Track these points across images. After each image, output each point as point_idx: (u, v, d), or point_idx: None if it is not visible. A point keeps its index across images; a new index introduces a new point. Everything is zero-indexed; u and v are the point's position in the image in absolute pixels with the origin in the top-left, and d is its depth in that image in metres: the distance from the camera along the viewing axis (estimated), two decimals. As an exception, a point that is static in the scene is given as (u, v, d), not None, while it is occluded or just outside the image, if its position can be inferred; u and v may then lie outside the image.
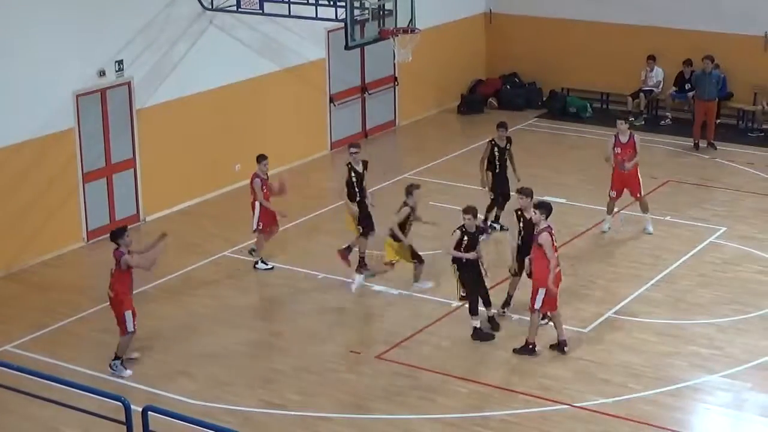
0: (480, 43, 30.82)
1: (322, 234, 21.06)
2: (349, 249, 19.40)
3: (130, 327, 16.20)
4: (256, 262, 19.97)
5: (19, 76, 19.66)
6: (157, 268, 17.17)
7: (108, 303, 16.51)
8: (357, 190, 19.25)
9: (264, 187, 19.58)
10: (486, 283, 17.32)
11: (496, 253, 20.00)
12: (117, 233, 16.19)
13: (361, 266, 19.31)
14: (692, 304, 18.31)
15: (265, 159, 19.63)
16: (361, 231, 19.26)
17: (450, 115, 29.23)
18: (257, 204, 19.60)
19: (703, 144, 26.22)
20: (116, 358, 16.36)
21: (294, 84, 25.04)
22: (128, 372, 16.28)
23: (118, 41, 21.22)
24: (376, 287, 19.08)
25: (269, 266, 19.94)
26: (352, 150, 19.49)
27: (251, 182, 19.73)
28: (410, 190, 18.58)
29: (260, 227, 19.73)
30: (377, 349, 16.97)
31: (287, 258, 20.18)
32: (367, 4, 21.50)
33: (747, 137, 27.14)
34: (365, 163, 19.44)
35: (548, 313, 16.81)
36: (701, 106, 26.41)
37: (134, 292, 16.74)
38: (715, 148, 26.11)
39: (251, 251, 20.08)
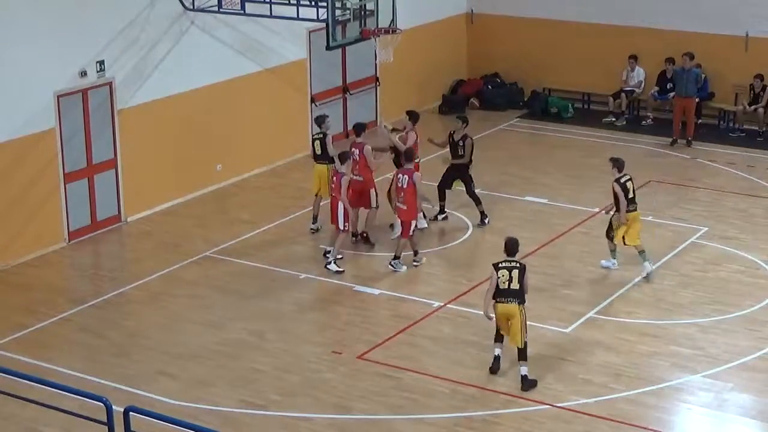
0: (461, 43, 30.84)
1: (303, 234, 21.04)
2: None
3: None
4: (329, 262, 19.61)
5: (0, 77, 19.58)
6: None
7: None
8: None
9: (349, 186, 19.68)
10: None
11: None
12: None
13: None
14: (674, 304, 18.35)
15: (349, 158, 19.76)
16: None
17: (431, 115, 29.19)
18: (340, 203, 19.42)
19: (682, 141, 26.30)
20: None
21: (275, 84, 25.01)
22: (404, 268, 19.40)
23: (100, 41, 21.16)
24: (358, 287, 19.09)
25: (341, 269, 19.63)
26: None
27: (338, 180, 19.45)
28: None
29: (347, 227, 19.66)
30: (359, 349, 16.96)
31: (268, 258, 20.15)
32: (348, 5, 21.48)
33: (728, 137, 27.17)
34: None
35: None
36: (680, 102, 26.51)
37: (114, 293, 16.68)
38: (690, 145, 26.20)
39: (332, 254, 19.76)
